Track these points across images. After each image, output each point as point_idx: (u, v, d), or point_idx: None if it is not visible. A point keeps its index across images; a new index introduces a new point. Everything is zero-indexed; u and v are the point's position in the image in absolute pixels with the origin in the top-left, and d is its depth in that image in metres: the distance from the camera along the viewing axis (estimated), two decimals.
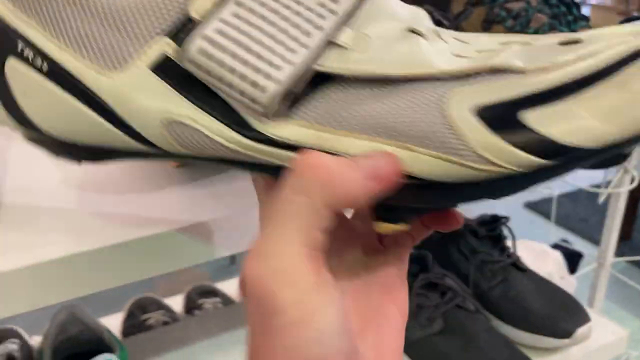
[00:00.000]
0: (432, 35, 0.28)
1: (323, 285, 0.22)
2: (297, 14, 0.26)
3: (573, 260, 1.70)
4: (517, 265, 0.80)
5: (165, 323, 1.11)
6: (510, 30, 0.60)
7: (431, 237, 0.89)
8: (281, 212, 0.23)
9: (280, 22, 0.26)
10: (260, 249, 0.23)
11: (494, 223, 0.83)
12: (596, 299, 1.30)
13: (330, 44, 0.27)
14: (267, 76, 0.26)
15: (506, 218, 0.84)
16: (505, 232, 0.84)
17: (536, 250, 1.43)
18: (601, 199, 1.26)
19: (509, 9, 0.60)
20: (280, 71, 0.26)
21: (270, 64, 0.26)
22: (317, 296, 0.22)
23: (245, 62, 0.26)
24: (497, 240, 0.82)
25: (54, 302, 0.37)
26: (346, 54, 0.26)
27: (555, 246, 1.65)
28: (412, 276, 0.74)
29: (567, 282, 1.42)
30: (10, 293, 0.35)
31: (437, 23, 0.57)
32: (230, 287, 1.25)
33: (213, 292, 1.22)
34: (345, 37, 0.27)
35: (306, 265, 0.22)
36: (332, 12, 0.27)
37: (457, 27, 0.62)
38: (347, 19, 0.27)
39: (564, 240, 1.72)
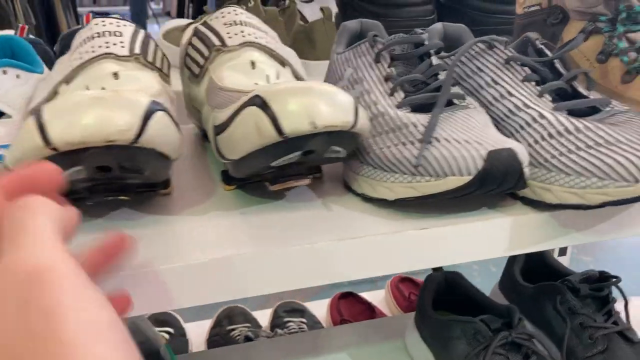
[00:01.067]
0: None
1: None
2: None
3: None
4: (625, 335, 0.69)
5: (248, 338, 1.11)
6: (628, 65, 0.51)
7: (524, 291, 0.80)
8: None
9: None
10: None
11: (601, 281, 0.73)
12: None
13: None
14: None
15: (617, 278, 0.73)
16: (616, 293, 0.73)
17: None
18: None
19: (632, 40, 0.52)
20: None
21: None
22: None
23: None
24: (604, 303, 0.72)
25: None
26: None
27: None
28: (493, 332, 0.66)
29: None
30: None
31: (538, 53, 0.50)
32: (319, 308, 1.23)
33: (300, 311, 1.20)
34: None
35: None
36: None
37: (563, 59, 0.54)
38: None
39: None
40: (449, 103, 0.46)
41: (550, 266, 0.81)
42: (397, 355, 0.76)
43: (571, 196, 0.40)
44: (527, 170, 0.40)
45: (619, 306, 0.73)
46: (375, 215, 0.43)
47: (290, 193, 0.47)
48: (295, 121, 0.36)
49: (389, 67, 0.49)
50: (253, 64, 0.46)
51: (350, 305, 1.22)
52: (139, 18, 3.69)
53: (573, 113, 0.45)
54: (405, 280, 1.21)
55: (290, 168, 0.43)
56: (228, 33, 0.47)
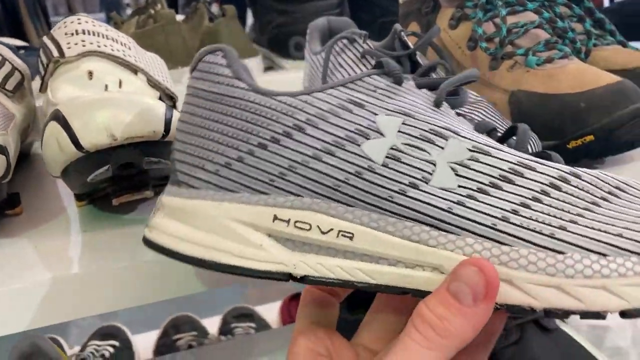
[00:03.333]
0: None
1: None
2: None
3: None
4: (540, 323, 0.67)
5: (190, 346, 1.10)
6: (486, 51, 0.49)
7: None
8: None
9: None
10: None
11: None
12: None
13: None
14: None
15: None
16: None
17: None
18: None
19: (498, 25, 0.50)
20: None
21: None
22: None
23: None
24: None
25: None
26: None
27: None
28: None
29: None
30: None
31: (404, 45, 0.48)
32: (268, 311, 1.21)
33: (250, 316, 1.19)
34: None
35: None
36: None
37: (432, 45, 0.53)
38: None
39: None
40: None
41: None
42: None
43: None
44: None
45: None
46: None
47: (143, 205, 0.46)
48: (93, 135, 0.34)
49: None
50: (90, 74, 0.44)
51: None
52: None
53: None
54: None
55: (129, 180, 0.42)
56: (68, 43, 0.45)
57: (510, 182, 0.27)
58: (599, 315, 0.26)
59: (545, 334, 0.67)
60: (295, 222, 0.28)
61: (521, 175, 0.27)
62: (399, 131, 0.28)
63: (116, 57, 0.46)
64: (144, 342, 1.15)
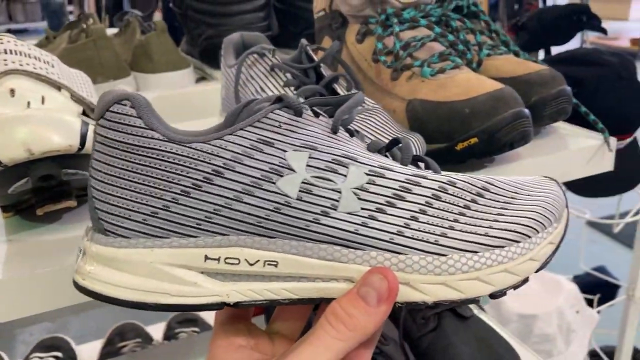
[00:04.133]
0: None
1: None
2: None
3: (609, 290, 1.55)
4: (457, 312, 0.73)
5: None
6: (385, 64, 0.54)
7: None
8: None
9: None
10: None
11: None
12: (625, 335, 1.17)
13: None
14: None
15: None
16: None
17: (547, 282, 1.32)
18: (616, 230, 1.14)
19: (401, 39, 0.54)
20: None
21: None
22: None
23: None
24: None
25: None
26: None
27: (588, 275, 1.51)
28: None
29: (584, 317, 1.30)
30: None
31: (309, 58, 0.53)
32: (212, 315, 1.23)
33: (194, 321, 1.21)
34: None
35: None
36: None
37: (334, 62, 0.57)
38: None
39: (600, 268, 1.57)
40: None
41: None
42: None
43: None
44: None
45: None
46: None
47: (68, 214, 0.48)
48: (10, 150, 0.37)
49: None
50: (12, 91, 0.46)
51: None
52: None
53: None
54: None
55: (50, 191, 0.44)
56: None
57: (402, 199, 0.32)
58: (475, 300, 0.32)
59: (461, 321, 0.72)
60: (226, 258, 0.31)
61: (409, 192, 0.32)
62: (307, 165, 0.31)
63: (39, 74, 0.49)
64: (89, 352, 1.15)
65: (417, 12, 0.55)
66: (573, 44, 1.39)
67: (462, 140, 0.47)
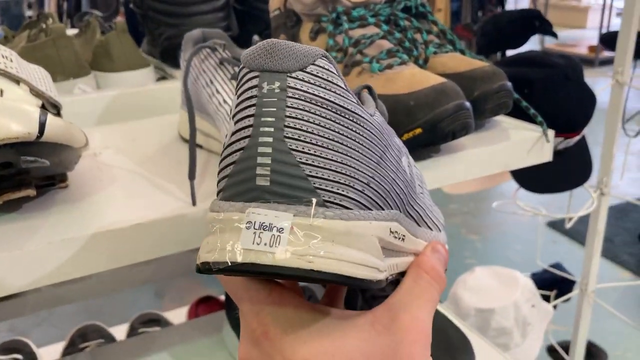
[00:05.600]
0: None
1: None
2: None
3: (565, 286, 1.61)
4: None
5: None
6: (338, 61, 0.56)
7: None
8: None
9: None
10: None
11: None
12: (579, 328, 1.22)
13: None
14: None
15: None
16: None
17: (505, 277, 1.36)
18: (568, 225, 1.19)
19: (350, 36, 0.57)
20: None
21: None
22: None
23: None
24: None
25: None
26: None
27: (546, 271, 1.56)
28: None
29: (540, 311, 1.35)
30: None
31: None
32: (176, 315, 1.24)
33: (157, 321, 1.21)
34: None
35: None
36: None
37: None
38: None
39: (557, 265, 1.62)
40: None
41: None
42: (216, 350, 0.80)
43: None
44: None
45: None
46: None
47: (28, 204, 0.49)
48: None
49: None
50: None
51: (208, 308, 1.24)
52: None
53: None
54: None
55: (10, 180, 0.45)
56: None
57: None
58: None
59: None
60: (396, 232, 0.30)
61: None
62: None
63: None
64: (50, 354, 1.15)
65: (367, 11, 0.58)
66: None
67: (407, 131, 0.50)
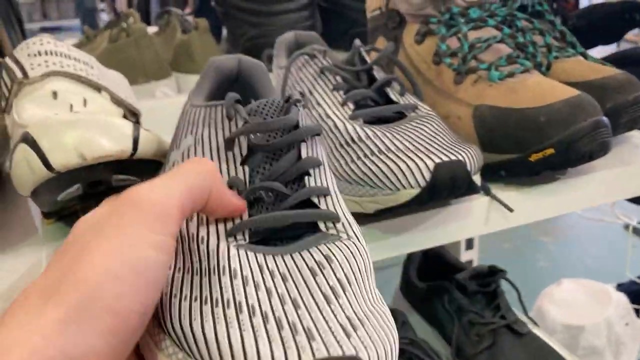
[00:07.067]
0: None
1: None
2: None
3: None
4: (513, 328, 0.69)
5: None
6: (450, 67, 0.50)
7: (418, 291, 0.80)
8: None
9: None
10: None
11: (489, 276, 0.73)
12: None
13: None
14: None
15: (503, 272, 0.73)
16: (508, 287, 0.73)
17: (595, 291, 1.26)
18: None
19: (461, 41, 0.51)
20: None
21: None
22: None
23: None
24: (493, 297, 0.71)
25: None
26: None
27: (634, 283, 1.45)
28: None
29: (634, 329, 1.24)
30: None
31: (362, 61, 0.49)
32: None
33: None
34: None
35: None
36: None
37: (389, 64, 0.54)
38: None
39: None
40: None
41: (446, 263, 0.81)
42: None
43: (354, 204, 0.40)
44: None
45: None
46: None
47: None
48: (63, 155, 0.35)
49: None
50: (55, 94, 0.44)
51: None
52: None
53: (382, 120, 0.44)
54: None
55: (99, 197, 0.42)
56: (31, 64, 0.46)
57: None
58: None
59: (517, 337, 0.68)
60: None
61: None
62: None
63: (79, 76, 0.47)
64: None
65: (482, 12, 0.51)
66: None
67: (536, 151, 0.44)
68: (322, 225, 0.29)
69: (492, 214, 0.46)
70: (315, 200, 0.30)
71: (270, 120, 0.31)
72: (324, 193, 0.31)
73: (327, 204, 0.30)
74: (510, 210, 0.45)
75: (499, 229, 0.46)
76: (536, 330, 0.71)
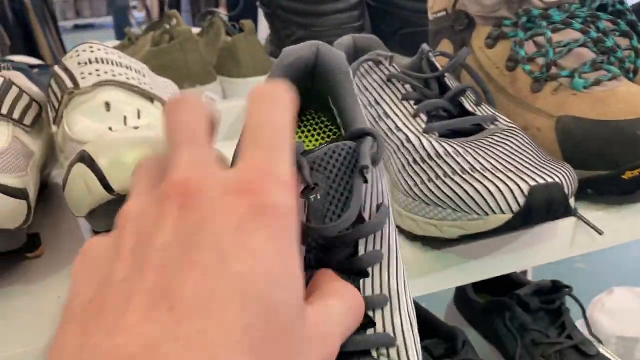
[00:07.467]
0: None
1: None
2: None
3: None
4: (580, 349, 0.64)
5: None
6: (530, 74, 0.46)
7: (476, 306, 0.76)
8: None
9: None
10: None
11: (553, 292, 0.68)
12: None
13: None
14: None
15: (569, 287, 0.68)
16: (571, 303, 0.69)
17: None
18: None
19: (540, 44, 0.47)
20: None
21: None
22: None
23: None
24: (557, 315, 0.67)
25: None
26: None
27: None
28: (435, 359, 0.61)
29: None
30: None
31: (431, 66, 0.46)
32: None
33: None
34: None
35: None
36: None
37: (456, 69, 0.50)
38: None
39: None
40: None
41: (505, 276, 0.77)
42: None
43: (431, 228, 0.36)
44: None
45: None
46: None
47: None
48: (123, 177, 0.32)
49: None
50: (108, 105, 0.42)
51: None
52: (121, 28, 3.69)
53: (457, 132, 0.40)
54: None
55: None
56: (82, 73, 0.43)
57: None
58: None
59: (584, 359, 0.64)
60: None
61: None
62: None
63: (131, 85, 0.44)
64: None
65: (562, 13, 0.47)
66: None
67: (631, 168, 0.39)
68: (373, 352, 0.24)
69: (578, 236, 0.42)
70: (370, 312, 0.25)
71: (324, 227, 0.25)
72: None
73: (382, 316, 0.25)
74: (600, 233, 0.41)
75: (585, 252, 0.42)
76: (604, 352, 0.67)
